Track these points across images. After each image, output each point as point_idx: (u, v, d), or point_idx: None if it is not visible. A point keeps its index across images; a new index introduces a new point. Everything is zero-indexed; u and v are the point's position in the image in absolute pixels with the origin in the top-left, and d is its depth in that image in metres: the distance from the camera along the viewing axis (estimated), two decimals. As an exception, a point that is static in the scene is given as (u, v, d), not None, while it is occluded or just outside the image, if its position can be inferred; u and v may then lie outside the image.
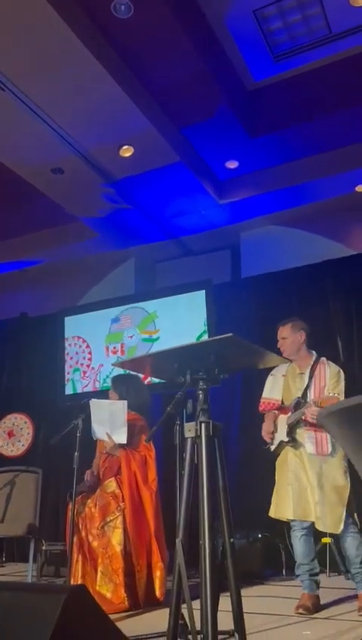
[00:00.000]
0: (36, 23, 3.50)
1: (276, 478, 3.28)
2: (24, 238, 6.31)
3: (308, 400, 3.19)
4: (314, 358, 3.36)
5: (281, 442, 3.22)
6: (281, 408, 3.32)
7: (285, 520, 3.20)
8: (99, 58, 3.83)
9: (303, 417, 3.11)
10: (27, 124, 4.36)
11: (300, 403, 3.20)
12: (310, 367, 3.31)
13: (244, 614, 1.76)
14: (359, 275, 5.27)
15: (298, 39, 4.37)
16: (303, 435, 3.15)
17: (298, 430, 3.17)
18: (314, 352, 3.41)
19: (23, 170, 5.00)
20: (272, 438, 3.29)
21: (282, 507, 3.14)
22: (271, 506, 3.24)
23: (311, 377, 3.26)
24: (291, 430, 3.18)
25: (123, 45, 4.01)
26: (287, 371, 3.41)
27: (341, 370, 3.30)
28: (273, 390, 3.40)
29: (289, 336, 3.37)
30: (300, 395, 3.23)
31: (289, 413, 3.22)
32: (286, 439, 3.18)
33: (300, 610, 2.92)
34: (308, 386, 3.23)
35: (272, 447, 3.28)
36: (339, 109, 4.59)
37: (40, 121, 4.34)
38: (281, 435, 3.23)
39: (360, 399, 1.16)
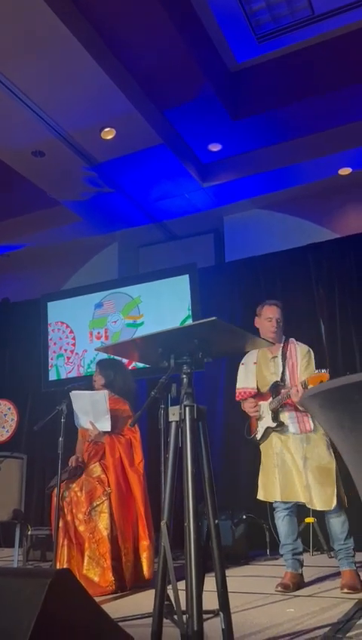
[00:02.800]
0: (15, 2, 3.42)
1: (262, 460, 3.30)
2: (5, 222, 6.23)
3: (286, 381, 3.21)
4: (283, 340, 3.35)
5: (268, 429, 3.22)
6: (258, 395, 3.31)
7: (272, 502, 3.23)
8: (80, 38, 3.76)
9: (288, 399, 3.12)
10: (6, 105, 4.28)
11: (279, 386, 3.21)
12: (281, 349, 3.30)
13: (229, 594, 1.78)
14: (342, 258, 5.30)
15: (281, 20, 4.34)
16: (286, 416, 3.18)
17: (281, 414, 3.19)
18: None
19: (2, 153, 4.91)
20: (256, 428, 3.29)
21: (270, 490, 3.17)
22: (259, 489, 3.26)
23: (283, 359, 3.26)
24: (276, 415, 3.18)
25: (104, 26, 3.94)
26: (258, 358, 3.36)
27: (310, 350, 3.31)
28: (247, 379, 3.36)
29: (281, 319, 3.34)
30: (279, 379, 3.24)
31: (270, 399, 3.22)
32: (273, 425, 3.18)
33: (279, 588, 2.98)
34: (284, 369, 3.23)
35: (258, 436, 3.28)
36: (322, 91, 4.57)
37: (19, 103, 4.26)
38: (267, 422, 3.23)
39: (342, 381, 1.17)
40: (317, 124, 4.93)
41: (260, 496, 3.26)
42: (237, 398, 3.41)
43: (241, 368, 3.43)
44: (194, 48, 4.24)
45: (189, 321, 5.38)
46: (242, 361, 3.44)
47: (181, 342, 1.87)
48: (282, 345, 3.31)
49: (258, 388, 3.32)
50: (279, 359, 3.28)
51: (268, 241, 5.79)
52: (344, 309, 5.18)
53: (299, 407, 3.11)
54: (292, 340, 3.35)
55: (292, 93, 4.68)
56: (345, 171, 5.29)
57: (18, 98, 4.20)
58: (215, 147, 5.25)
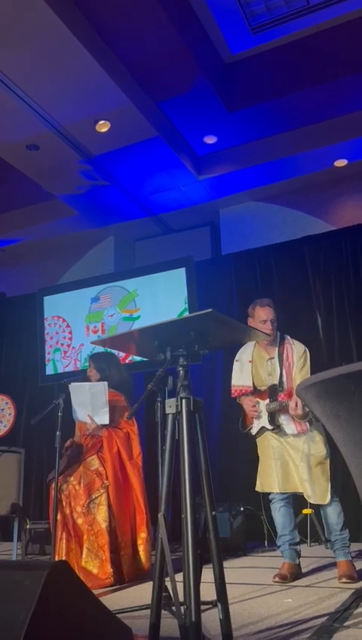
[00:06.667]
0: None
1: (259, 452, 3.31)
2: (0, 216, 6.20)
3: (284, 385, 3.20)
4: (278, 339, 3.32)
5: (263, 428, 3.21)
6: (255, 393, 3.28)
7: (269, 492, 3.24)
8: (74, 31, 3.74)
9: (286, 408, 3.11)
10: None
11: (276, 390, 3.20)
12: (277, 349, 3.27)
13: (227, 585, 1.79)
14: (338, 250, 5.30)
15: (276, 11, 4.32)
16: (281, 419, 3.17)
17: (278, 417, 3.18)
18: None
19: (-4, 146, 4.89)
20: (251, 422, 3.29)
21: (267, 481, 3.18)
22: (257, 481, 3.28)
23: (280, 361, 3.23)
24: (272, 418, 3.18)
25: (98, 17, 3.91)
26: (253, 356, 3.33)
27: (306, 350, 3.28)
28: (242, 377, 3.32)
29: (275, 319, 3.28)
30: (276, 382, 3.22)
31: (268, 400, 3.21)
32: (269, 427, 3.17)
33: (277, 579, 2.99)
34: (281, 371, 3.21)
35: (253, 431, 3.28)
36: (318, 82, 4.56)
37: (13, 96, 4.23)
38: (263, 421, 3.21)
39: (337, 372, 1.17)
40: (313, 115, 4.91)
41: (258, 487, 3.27)
42: (233, 395, 3.39)
43: (236, 365, 3.39)
44: (189, 40, 4.21)
45: (186, 315, 5.37)
46: (236, 358, 3.41)
47: (177, 334, 1.86)
48: (278, 345, 3.28)
49: (254, 386, 3.29)
50: (276, 361, 3.25)
51: (264, 234, 5.79)
52: (340, 301, 5.18)
53: (296, 419, 3.10)
54: (288, 338, 3.31)
55: (287, 84, 4.66)
56: (340, 163, 5.28)
57: (11, 90, 4.17)
58: (210, 139, 5.23)
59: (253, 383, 3.29)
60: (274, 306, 3.34)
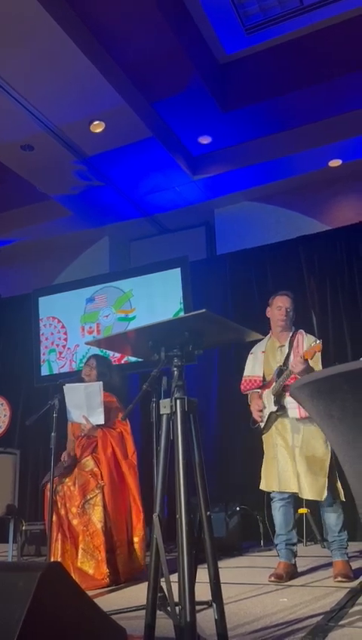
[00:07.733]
0: (-1, -8, 3.38)
1: (264, 451, 3.33)
2: (-5, 217, 6.20)
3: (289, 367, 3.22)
4: (293, 329, 3.40)
5: (271, 414, 3.24)
6: (264, 385, 3.33)
7: (270, 491, 3.25)
8: (69, 32, 3.74)
9: (290, 379, 3.14)
10: (-6, 98, 4.24)
11: (282, 371, 3.23)
12: (289, 338, 3.34)
13: (222, 585, 1.79)
14: (333, 250, 5.31)
15: (269, 11, 4.32)
16: (286, 400, 3.20)
17: (283, 398, 3.21)
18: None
19: (-9, 147, 4.88)
20: (261, 416, 3.31)
21: (269, 480, 3.22)
22: (262, 480, 3.29)
23: (290, 347, 3.29)
24: (278, 399, 3.21)
25: (92, 18, 3.91)
26: (266, 347, 3.41)
27: (317, 340, 3.34)
28: (254, 368, 3.40)
29: (291, 308, 3.37)
30: (281, 364, 3.26)
31: (273, 384, 3.26)
32: (274, 409, 3.22)
33: (272, 579, 3.00)
34: (288, 355, 3.26)
35: (262, 424, 3.30)
36: (312, 82, 4.56)
37: (7, 96, 4.22)
38: (269, 407, 3.26)
39: (331, 371, 1.17)
40: (308, 115, 4.92)
41: (262, 486, 3.29)
42: (241, 386, 3.44)
43: (250, 357, 3.47)
44: (183, 40, 4.21)
45: (181, 314, 5.37)
46: (251, 351, 3.48)
47: (171, 334, 1.86)
48: (291, 335, 3.35)
49: (264, 377, 3.35)
50: (286, 348, 3.31)
51: (259, 234, 5.80)
52: (335, 301, 5.19)
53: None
54: (301, 331, 3.38)
55: (281, 84, 4.67)
56: (335, 163, 5.29)
57: (5, 91, 4.17)
58: (205, 140, 5.24)
59: (264, 374, 3.35)
60: (293, 298, 3.42)
